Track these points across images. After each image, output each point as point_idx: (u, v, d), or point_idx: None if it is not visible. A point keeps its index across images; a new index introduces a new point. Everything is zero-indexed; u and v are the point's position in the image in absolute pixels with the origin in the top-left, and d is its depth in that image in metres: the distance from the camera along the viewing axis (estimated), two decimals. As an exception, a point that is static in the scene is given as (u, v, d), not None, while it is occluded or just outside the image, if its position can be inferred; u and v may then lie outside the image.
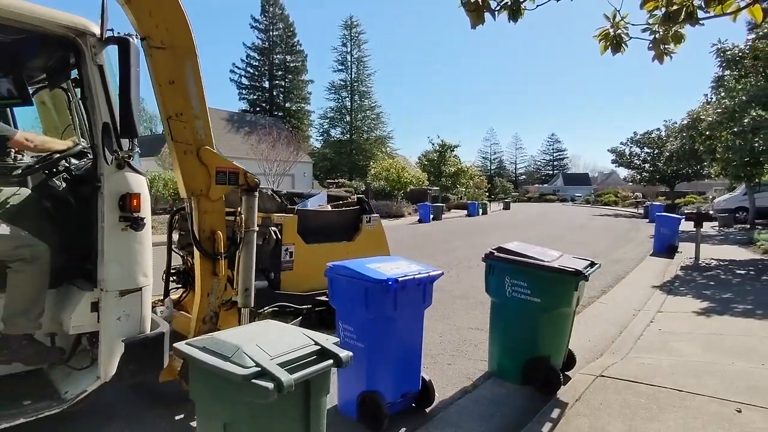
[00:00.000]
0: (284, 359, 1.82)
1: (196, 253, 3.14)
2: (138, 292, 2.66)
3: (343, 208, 4.94)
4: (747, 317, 5.62)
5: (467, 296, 6.65)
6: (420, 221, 22.56)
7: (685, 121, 21.12)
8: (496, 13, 2.75)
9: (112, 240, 2.55)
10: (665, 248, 11.45)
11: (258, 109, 51.61)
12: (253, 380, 1.67)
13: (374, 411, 2.93)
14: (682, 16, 2.78)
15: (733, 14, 2.70)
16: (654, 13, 2.87)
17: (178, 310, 3.87)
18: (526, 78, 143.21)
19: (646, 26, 3.02)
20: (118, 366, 2.58)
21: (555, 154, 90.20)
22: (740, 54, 12.26)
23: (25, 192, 2.81)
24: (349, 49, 54.34)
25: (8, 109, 3.44)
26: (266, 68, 52.73)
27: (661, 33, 3.03)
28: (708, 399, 3.27)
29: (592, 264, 3.75)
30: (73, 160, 2.85)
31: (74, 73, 3.03)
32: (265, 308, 3.73)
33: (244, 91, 52.49)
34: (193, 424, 2.85)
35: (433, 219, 23.34)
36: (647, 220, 22.29)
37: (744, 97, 11.69)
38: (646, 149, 35.28)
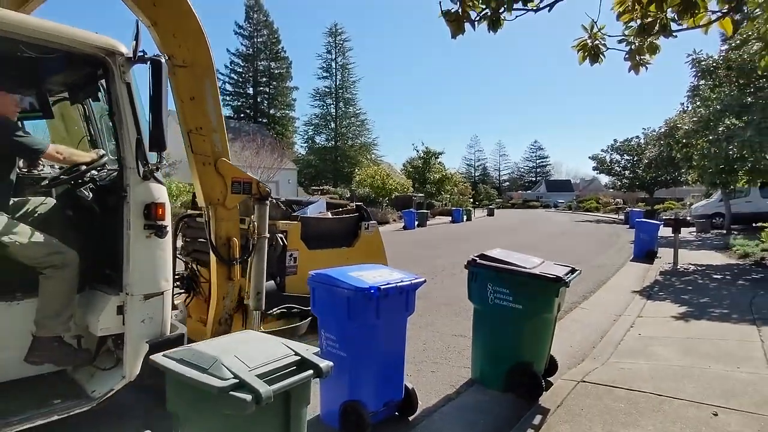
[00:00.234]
0: (263, 370, 1.79)
1: (212, 258, 3.33)
2: (160, 296, 2.81)
3: (343, 216, 5.05)
4: (723, 321, 5.74)
5: (451, 303, 6.67)
6: (405, 228, 22.59)
7: (663, 129, 21.71)
8: (476, 23, 2.78)
9: (137, 246, 2.70)
10: (645, 253, 11.66)
11: (242, 115, 51.22)
12: (231, 392, 1.65)
13: (357, 420, 2.90)
14: (656, 28, 2.86)
15: (705, 27, 2.78)
16: (630, 24, 2.94)
17: None
18: (509, 86, 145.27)
19: (623, 37, 3.10)
20: (142, 366, 2.69)
21: (538, 161, 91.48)
22: (714, 64, 12.63)
23: (51, 201, 3.00)
24: (333, 56, 54.54)
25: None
26: (250, 75, 52.46)
27: (636, 44, 3.11)
28: (686, 403, 3.32)
29: (573, 270, 3.79)
30: (93, 171, 2.99)
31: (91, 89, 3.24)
32: (274, 310, 3.78)
33: (228, 98, 52.00)
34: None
35: (418, 226, 23.40)
36: (627, 226, 22.67)
37: (718, 106, 12.03)
38: (626, 156, 36.08)
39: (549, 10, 2.73)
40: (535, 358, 3.69)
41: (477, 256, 3.83)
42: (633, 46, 3.11)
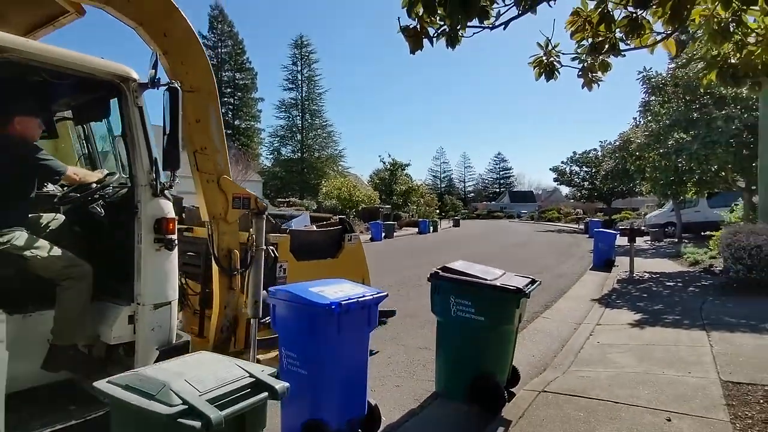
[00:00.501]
0: (215, 394, 1.72)
1: (215, 269, 3.58)
2: (168, 306, 2.95)
3: (328, 228, 5.29)
4: (676, 327, 5.98)
5: (417, 315, 6.67)
6: (372, 239, 22.55)
7: (618, 143, 22.66)
8: (434, 39, 2.82)
9: (148, 259, 2.85)
10: (603, 262, 12.03)
11: (205, 126, 50.20)
12: (179, 419, 1.57)
13: (318, 440, 2.83)
14: (606, 47, 2.98)
15: (651, 47, 2.92)
16: (582, 43, 3.05)
17: None
18: (473, 98, 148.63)
19: (576, 55, 3.21)
20: None
21: (501, 173, 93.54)
22: (663, 81, 13.34)
23: (61, 218, 3.19)
24: (299, 68, 54.45)
25: None
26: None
27: (589, 62, 3.23)
28: (641, 409, 3.41)
29: (533, 281, 3.86)
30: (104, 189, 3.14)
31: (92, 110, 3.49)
32: (266, 318, 3.78)
33: (190, 108, 50.95)
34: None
35: (385, 237, 23.43)
36: (588, 236, 23.42)
37: (668, 121, 12.68)
38: (584, 168, 37.48)
39: (504, 28, 2.79)
40: (498, 369, 3.71)
41: (439, 269, 3.84)
42: (585, 64, 3.24)
